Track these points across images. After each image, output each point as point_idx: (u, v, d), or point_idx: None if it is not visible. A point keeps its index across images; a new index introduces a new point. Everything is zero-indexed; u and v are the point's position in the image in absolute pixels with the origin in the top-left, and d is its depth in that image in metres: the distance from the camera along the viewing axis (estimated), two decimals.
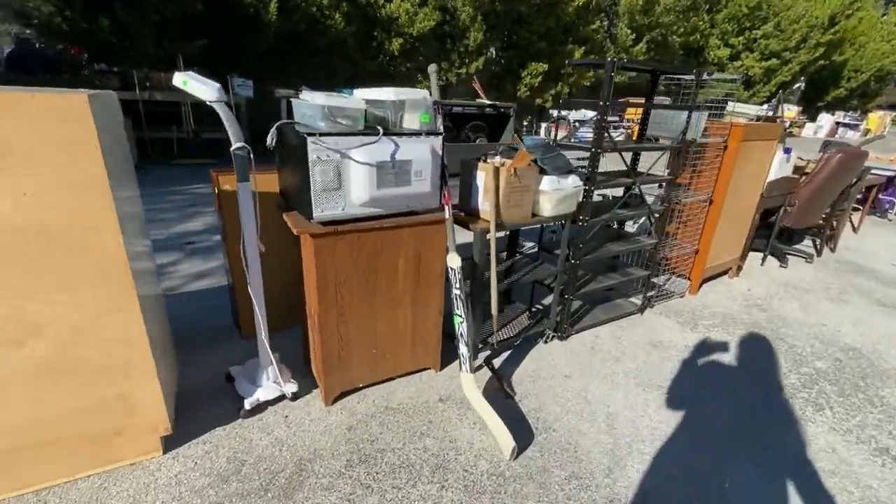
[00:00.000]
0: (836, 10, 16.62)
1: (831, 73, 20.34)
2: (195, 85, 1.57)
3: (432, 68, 1.81)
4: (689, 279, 3.45)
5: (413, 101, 1.82)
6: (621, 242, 2.85)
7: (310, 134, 1.55)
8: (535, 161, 2.18)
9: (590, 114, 13.17)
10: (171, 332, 2.58)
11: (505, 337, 2.50)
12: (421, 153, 1.78)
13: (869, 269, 4.26)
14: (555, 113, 11.87)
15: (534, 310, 2.95)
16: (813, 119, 20.52)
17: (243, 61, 8.01)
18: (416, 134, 1.79)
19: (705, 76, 2.78)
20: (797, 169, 4.41)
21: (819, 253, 4.52)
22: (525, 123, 11.52)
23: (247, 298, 2.55)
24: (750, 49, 15.56)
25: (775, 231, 4.05)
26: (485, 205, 2.10)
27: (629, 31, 11.53)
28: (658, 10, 11.48)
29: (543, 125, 11.46)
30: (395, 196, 1.78)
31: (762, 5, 14.60)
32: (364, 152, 1.65)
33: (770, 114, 17.04)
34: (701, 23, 13.86)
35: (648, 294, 3.12)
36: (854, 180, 4.29)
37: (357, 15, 8.82)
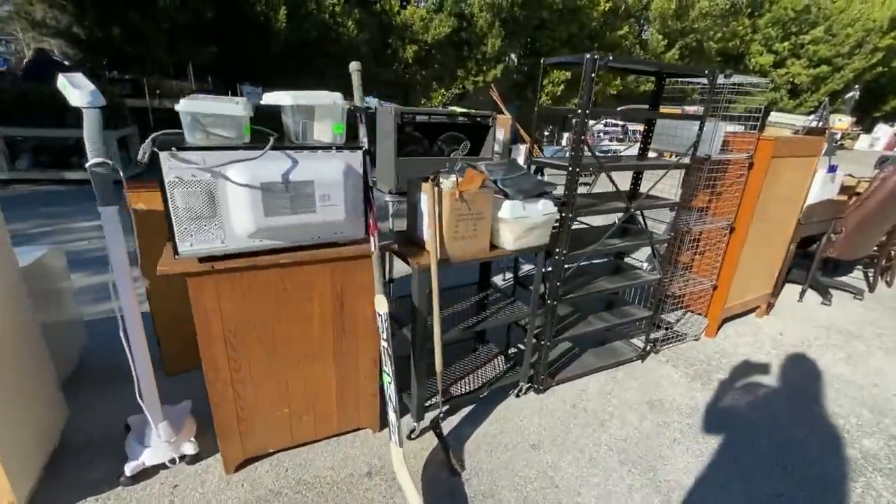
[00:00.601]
0: None
1: (891, 80, 18.78)
2: (68, 88, 1.26)
3: (354, 66, 1.45)
4: (707, 318, 2.92)
5: (323, 108, 1.44)
6: (618, 277, 2.37)
7: (163, 148, 1.20)
8: (494, 182, 1.77)
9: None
10: (77, 366, 2.28)
11: (467, 390, 2.07)
12: (328, 172, 1.40)
13: None
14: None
15: (511, 353, 2.51)
16: (868, 130, 18.97)
17: (254, 69, 7.92)
18: (323, 148, 1.41)
19: (722, 79, 2.29)
20: (845, 189, 3.77)
21: (872, 288, 3.85)
22: (546, 133, 11.01)
23: (168, 329, 2.21)
24: (796, 55, 14.47)
25: (816, 262, 3.44)
26: (429, 234, 1.70)
27: (661, 37, 10.86)
28: (693, 14, 10.77)
29: (566, 135, 10.91)
30: (294, 225, 1.41)
31: (810, 8, 13.56)
32: (243, 171, 1.29)
33: (817, 124, 15.86)
34: (741, 28, 12.99)
35: (652, 337, 2.62)
36: None
37: (371, 22, 8.62)
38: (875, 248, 3.71)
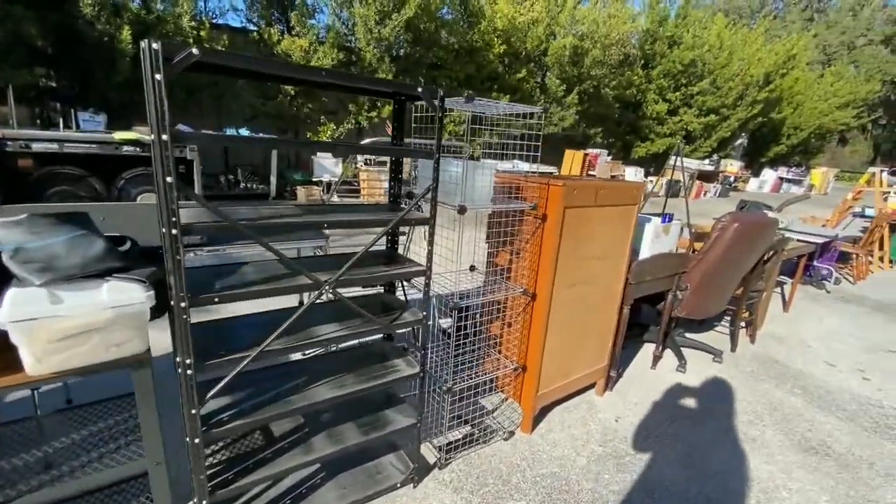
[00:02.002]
0: (771, 69, 17.01)
1: (772, 129, 20.83)
2: None
3: None
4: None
5: None
6: (352, 378, 1.65)
7: None
8: None
9: (523, 165, 12.53)
10: None
11: None
12: None
13: (795, 371, 3.20)
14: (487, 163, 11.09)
15: None
16: (757, 174, 20.75)
17: (98, 94, 6.86)
18: None
19: (454, 105, 1.73)
20: (701, 237, 3.42)
21: (733, 346, 3.46)
22: None
23: None
24: (688, 105, 15.52)
25: (664, 324, 2.97)
26: None
27: (559, 82, 11.07)
28: (587, 61, 11.11)
29: None
30: None
31: (696, 62, 14.69)
32: None
33: (712, 168, 17.00)
34: (636, 77, 13.73)
35: (441, 442, 1.92)
36: (769, 254, 3.32)
37: (247, 50, 7.90)
38: (732, 304, 3.34)
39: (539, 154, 1.93)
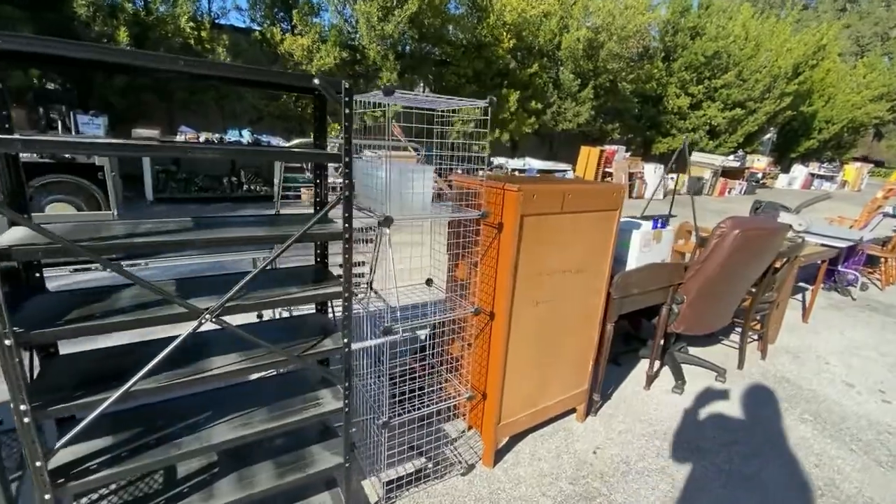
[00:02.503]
0: (800, 59, 16.15)
1: (802, 123, 19.83)
2: None
3: None
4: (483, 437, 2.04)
5: None
6: (246, 417, 1.45)
7: None
8: None
9: (534, 162, 12.18)
10: None
11: None
12: None
13: (808, 393, 2.86)
14: (496, 161, 10.80)
15: None
16: (787, 171, 19.80)
17: (98, 95, 6.89)
18: None
19: (375, 98, 1.51)
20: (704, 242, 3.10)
21: (740, 363, 3.13)
22: (459, 171, 10.40)
23: None
24: (712, 98, 14.84)
25: (657, 340, 2.69)
26: None
27: (573, 77, 10.67)
28: (602, 54, 10.68)
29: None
30: None
31: (721, 54, 14.01)
32: None
33: (737, 164, 16.25)
34: (656, 70, 13.17)
35: (391, 476, 1.70)
36: (781, 261, 2.99)
37: (250, 50, 7.84)
38: (740, 316, 3.02)
39: (488, 154, 1.68)
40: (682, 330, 2.66)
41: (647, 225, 2.41)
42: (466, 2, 9.38)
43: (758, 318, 3.18)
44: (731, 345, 3.46)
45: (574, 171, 12.16)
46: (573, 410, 2.40)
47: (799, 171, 19.45)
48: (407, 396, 1.89)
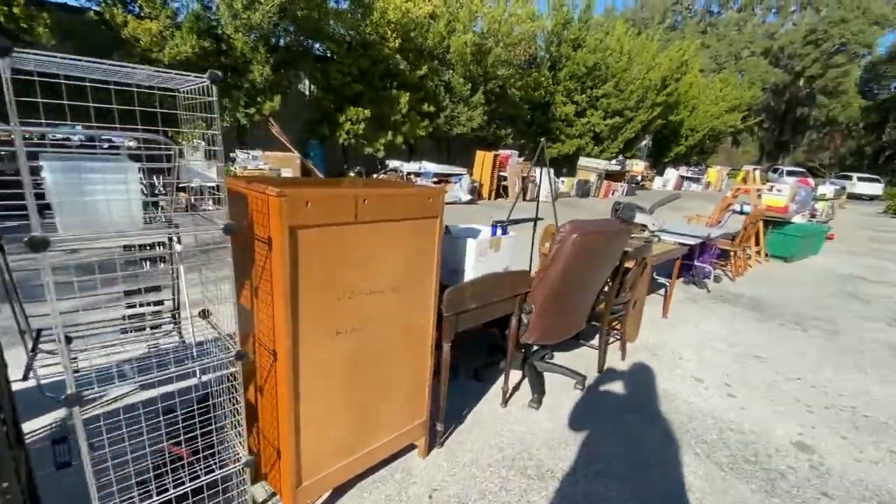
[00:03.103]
0: (667, 73, 18.02)
1: (672, 131, 22.21)
2: None
3: None
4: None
5: None
6: None
7: None
8: None
9: (429, 166, 12.06)
10: None
11: None
12: None
13: (662, 393, 2.87)
14: (390, 164, 10.46)
15: None
16: (661, 173, 22.01)
17: None
18: None
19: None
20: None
21: (601, 366, 3.09)
22: (352, 174, 9.90)
23: None
24: (594, 107, 15.97)
25: (510, 353, 2.49)
26: None
27: (464, 81, 10.73)
28: (490, 59, 10.87)
29: (376, 176, 9.92)
30: None
31: (600, 66, 15.11)
32: None
33: (618, 168, 17.67)
34: (543, 79, 13.82)
35: None
36: (631, 261, 2.98)
37: (83, 32, 6.65)
38: (595, 319, 2.96)
39: (220, 146, 1.29)
40: (535, 340, 2.50)
41: (486, 231, 2.18)
42: None
43: (616, 318, 3.17)
44: (594, 347, 3.43)
45: (471, 174, 12.26)
46: (414, 446, 2.10)
47: (671, 174, 21.72)
48: (170, 469, 1.43)
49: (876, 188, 24.10)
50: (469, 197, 10.95)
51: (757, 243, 7.00)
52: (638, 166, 18.73)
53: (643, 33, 18.86)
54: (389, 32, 9.14)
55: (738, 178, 8.14)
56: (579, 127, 15.85)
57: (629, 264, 3.01)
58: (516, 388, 2.75)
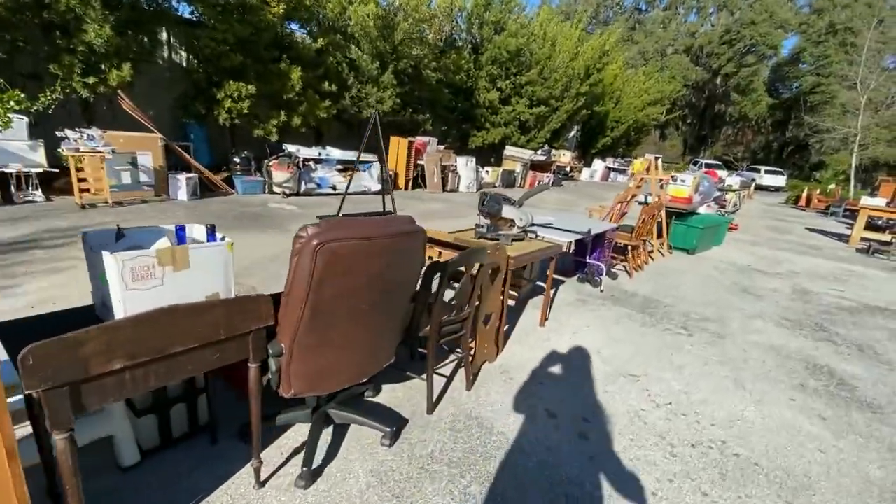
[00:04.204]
0: (590, 62, 17.98)
1: (598, 122, 22.45)
2: None
3: None
4: None
5: None
6: None
7: None
8: None
9: (335, 152, 11.02)
10: None
11: None
12: None
13: (497, 440, 2.22)
14: (286, 149, 9.30)
15: None
16: (589, 164, 22.23)
17: None
18: None
19: None
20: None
21: (430, 408, 2.38)
22: (237, 160, 8.68)
23: None
24: (520, 94, 15.56)
25: (255, 418, 1.71)
26: None
27: (369, 59, 9.78)
28: (398, 35, 9.98)
29: (266, 163, 8.75)
30: None
31: (524, 52, 14.67)
32: None
33: (544, 158, 17.47)
34: (464, 62, 13.14)
35: None
36: (475, 268, 2.29)
37: None
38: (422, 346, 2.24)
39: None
40: (300, 392, 1.73)
41: (164, 241, 1.36)
42: None
43: (449, 343, 2.48)
44: (441, 374, 2.75)
45: (385, 161, 11.35)
46: None
47: (598, 165, 22.00)
48: None
49: (780, 180, 25.98)
50: (378, 187, 10.09)
51: (660, 236, 6.73)
52: (565, 157, 18.67)
53: (568, 21, 18.72)
54: None
55: (636, 166, 7.88)
56: (504, 115, 15.37)
57: (475, 270, 2.33)
58: (259, 469, 1.98)
